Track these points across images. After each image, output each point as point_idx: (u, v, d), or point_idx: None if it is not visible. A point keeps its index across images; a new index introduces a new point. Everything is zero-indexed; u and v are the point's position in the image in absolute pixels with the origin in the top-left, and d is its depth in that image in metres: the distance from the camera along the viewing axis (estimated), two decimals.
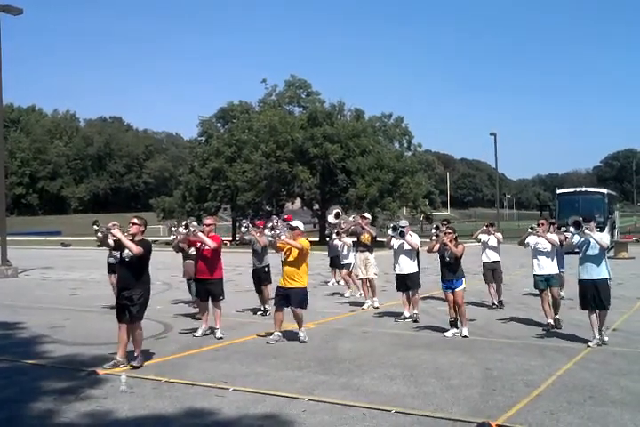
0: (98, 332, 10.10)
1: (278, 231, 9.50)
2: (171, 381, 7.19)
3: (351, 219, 14.76)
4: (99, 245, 8.19)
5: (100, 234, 8.07)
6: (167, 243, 43.39)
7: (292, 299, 9.44)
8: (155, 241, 46.53)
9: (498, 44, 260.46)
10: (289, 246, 9.41)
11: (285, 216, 14.87)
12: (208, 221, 10.38)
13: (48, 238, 54.81)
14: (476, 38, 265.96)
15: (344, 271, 15.45)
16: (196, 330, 10.15)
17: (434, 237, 10.33)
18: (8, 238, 23.49)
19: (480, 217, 72.66)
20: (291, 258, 9.44)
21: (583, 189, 36.70)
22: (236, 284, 17.70)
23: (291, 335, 9.69)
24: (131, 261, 7.79)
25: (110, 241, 8.05)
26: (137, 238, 7.88)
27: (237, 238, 43.41)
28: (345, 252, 15.34)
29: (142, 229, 8.00)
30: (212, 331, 9.97)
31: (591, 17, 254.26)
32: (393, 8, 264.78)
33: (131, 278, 7.84)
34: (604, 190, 35.01)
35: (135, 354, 7.89)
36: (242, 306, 13.21)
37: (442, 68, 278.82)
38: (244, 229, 11.47)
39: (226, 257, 21.95)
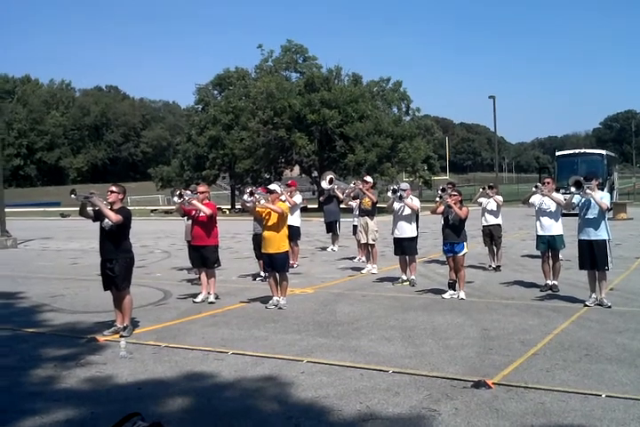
0: (97, 300, 10.13)
1: (258, 197, 9.42)
2: (170, 346, 7.24)
3: (352, 185, 14.67)
4: (80, 214, 7.98)
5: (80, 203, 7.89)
6: (166, 212, 43.65)
7: (276, 264, 9.48)
8: (154, 210, 46.89)
9: (497, 8, 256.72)
10: (268, 211, 9.37)
11: (289, 182, 14.82)
12: (201, 188, 10.33)
13: (47, 209, 54.81)
14: (476, 2, 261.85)
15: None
16: (195, 296, 10.20)
17: (438, 199, 10.31)
18: (7, 210, 23.50)
19: (479, 181, 72.50)
20: (270, 223, 9.40)
21: (582, 150, 36.55)
22: (236, 251, 17.75)
23: (291, 300, 9.73)
24: (111, 230, 7.71)
25: (90, 211, 7.90)
26: (115, 207, 7.78)
27: (238, 206, 43.43)
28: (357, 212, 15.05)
29: (121, 197, 7.91)
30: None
31: None
32: None
33: (111, 248, 7.78)
34: (603, 152, 34.89)
35: (124, 324, 7.89)
36: (241, 272, 13.27)
37: (441, 32, 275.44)
38: (246, 197, 10.49)
39: (225, 225, 21.98)
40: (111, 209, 7.69)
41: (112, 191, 7.85)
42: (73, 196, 7.91)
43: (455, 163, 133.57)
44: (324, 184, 14.61)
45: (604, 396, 5.23)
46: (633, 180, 56.99)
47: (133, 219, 8.07)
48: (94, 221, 7.93)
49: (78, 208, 8.03)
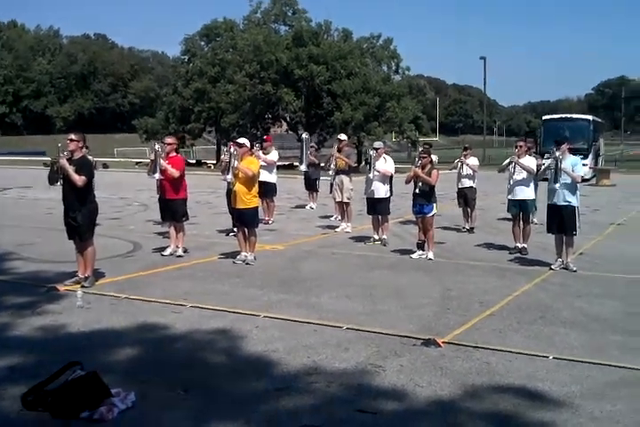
0: (67, 250, 9.95)
1: (233, 153, 9.29)
2: (130, 297, 7.22)
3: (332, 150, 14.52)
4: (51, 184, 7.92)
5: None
6: None
7: (244, 220, 9.43)
8: (138, 162, 46.46)
9: None
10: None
11: (265, 137, 14.67)
12: (169, 140, 10.18)
13: (31, 158, 54.10)
14: None
15: None
16: (164, 249, 10.15)
17: (414, 168, 10.30)
18: None
19: (469, 144, 72.21)
20: (240, 178, 9.33)
21: (569, 115, 36.35)
22: (215, 206, 17.64)
23: (260, 256, 9.70)
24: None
25: (57, 177, 7.72)
26: (76, 155, 7.64)
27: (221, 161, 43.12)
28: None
29: (81, 144, 7.73)
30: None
31: None
32: None
33: (75, 198, 7.69)
34: (590, 117, 34.69)
35: (86, 274, 7.85)
36: (215, 227, 13.22)
37: None
38: (225, 155, 9.69)
39: (208, 180, 21.65)
40: (72, 158, 7.56)
41: (72, 140, 7.66)
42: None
43: (446, 124, 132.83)
44: (303, 167, 14.85)
45: (551, 358, 5.28)
46: (621, 147, 56.93)
47: (116, 171, 7.98)
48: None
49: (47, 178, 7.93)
